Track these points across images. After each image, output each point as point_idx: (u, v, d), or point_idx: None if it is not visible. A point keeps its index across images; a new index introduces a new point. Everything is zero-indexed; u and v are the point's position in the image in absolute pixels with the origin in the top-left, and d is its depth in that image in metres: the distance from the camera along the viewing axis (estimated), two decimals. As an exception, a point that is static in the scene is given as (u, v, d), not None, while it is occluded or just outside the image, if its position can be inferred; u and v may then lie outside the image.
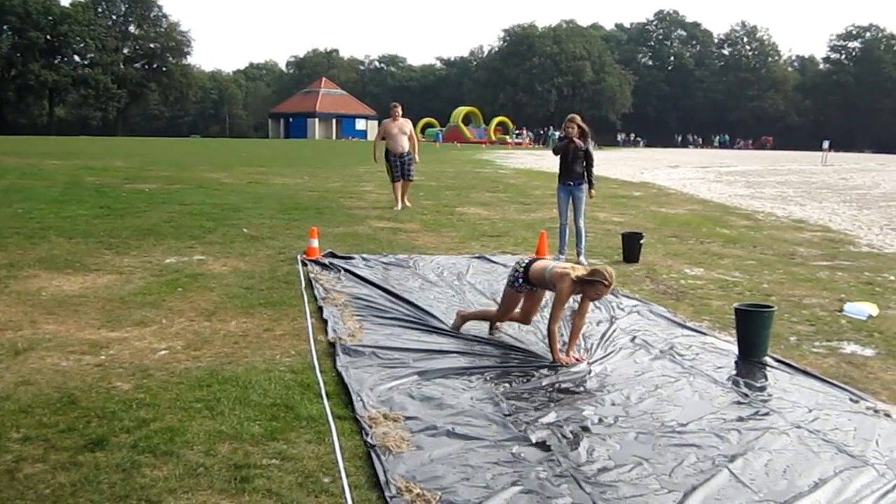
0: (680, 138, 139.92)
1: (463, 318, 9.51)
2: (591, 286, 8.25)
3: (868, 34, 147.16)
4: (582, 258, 14.43)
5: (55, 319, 9.14)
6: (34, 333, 8.67)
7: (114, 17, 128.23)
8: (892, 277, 13.97)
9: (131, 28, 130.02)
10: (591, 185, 14.78)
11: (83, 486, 5.18)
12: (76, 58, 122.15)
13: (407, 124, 21.83)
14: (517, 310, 9.19)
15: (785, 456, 5.99)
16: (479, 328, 9.53)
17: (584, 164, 14.58)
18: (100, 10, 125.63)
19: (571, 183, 14.68)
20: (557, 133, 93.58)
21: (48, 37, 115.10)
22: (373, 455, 5.74)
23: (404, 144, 21.44)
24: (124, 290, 10.88)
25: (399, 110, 21.67)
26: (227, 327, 9.21)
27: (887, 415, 6.89)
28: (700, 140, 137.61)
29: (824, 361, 8.66)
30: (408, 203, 21.85)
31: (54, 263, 12.37)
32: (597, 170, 14.81)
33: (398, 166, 21.45)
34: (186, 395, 6.83)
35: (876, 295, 12.34)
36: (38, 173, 29.69)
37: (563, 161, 14.69)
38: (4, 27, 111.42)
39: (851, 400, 7.25)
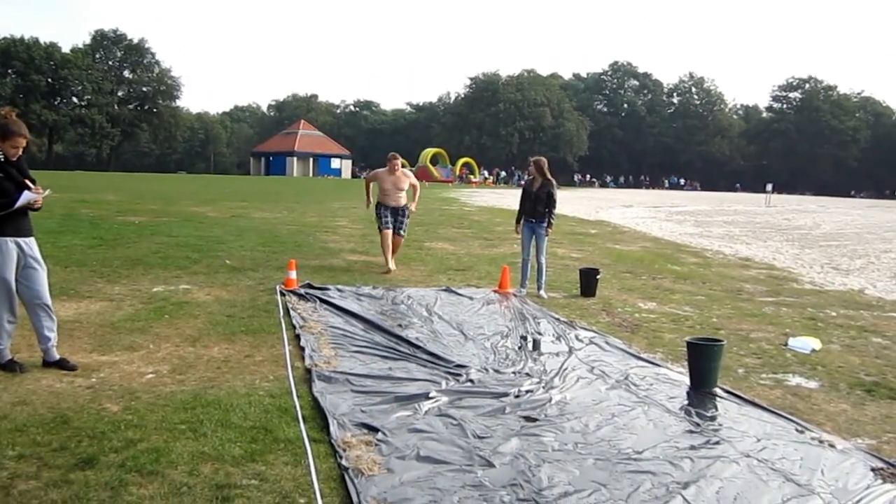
0: (632, 179, 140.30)
1: None
2: None
3: (807, 85, 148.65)
4: (542, 292, 14.41)
5: (49, 343, 9.03)
6: (31, 356, 8.62)
7: (110, 62, 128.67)
8: (834, 313, 14.00)
9: (126, 73, 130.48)
10: (549, 224, 14.78)
11: (73, 504, 5.13)
12: (74, 99, 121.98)
13: (405, 180, 17.11)
14: None
15: (735, 484, 5.95)
16: (451, 356, 9.46)
17: (546, 205, 14.61)
18: (98, 56, 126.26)
19: (534, 221, 14.68)
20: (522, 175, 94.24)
21: (49, 80, 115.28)
22: (346, 477, 5.69)
23: (399, 201, 17.06)
24: (115, 316, 10.82)
25: (398, 163, 17.10)
26: (210, 353, 9.15)
27: (832, 445, 6.86)
28: (648, 180, 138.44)
29: (771, 393, 8.64)
30: (392, 266, 16.80)
31: (50, 290, 12.20)
32: (556, 209, 14.79)
33: (389, 220, 16.93)
34: (172, 417, 6.76)
35: (819, 330, 12.37)
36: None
37: (527, 200, 14.71)
38: (9, 71, 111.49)
39: (797, 430, 7.22)
